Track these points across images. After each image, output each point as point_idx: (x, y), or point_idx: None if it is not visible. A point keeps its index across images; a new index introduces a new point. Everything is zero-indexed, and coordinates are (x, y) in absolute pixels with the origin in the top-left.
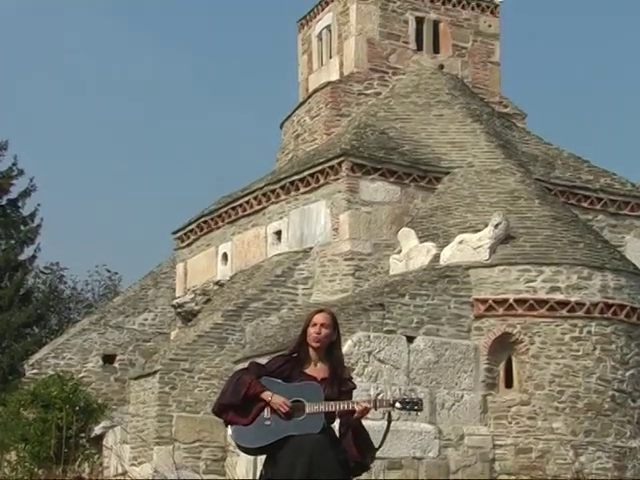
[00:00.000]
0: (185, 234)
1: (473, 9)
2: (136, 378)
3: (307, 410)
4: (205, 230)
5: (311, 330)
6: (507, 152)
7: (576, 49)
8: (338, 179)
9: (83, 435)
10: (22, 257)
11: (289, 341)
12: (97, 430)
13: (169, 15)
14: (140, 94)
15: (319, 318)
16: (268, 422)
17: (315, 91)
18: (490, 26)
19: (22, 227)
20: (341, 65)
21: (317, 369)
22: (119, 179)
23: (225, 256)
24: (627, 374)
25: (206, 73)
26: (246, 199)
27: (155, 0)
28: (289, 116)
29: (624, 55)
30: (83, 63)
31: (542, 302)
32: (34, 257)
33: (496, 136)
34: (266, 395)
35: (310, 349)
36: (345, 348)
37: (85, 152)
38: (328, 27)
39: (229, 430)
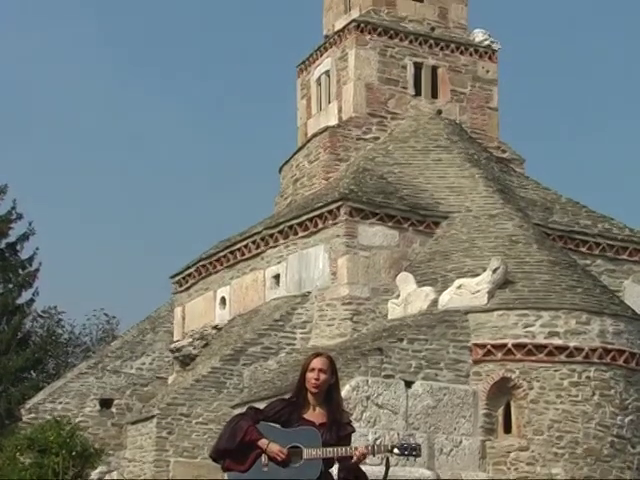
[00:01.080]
0: (183, 278)
1: (471, 55)
2: (133, 423)
3: (305, 456)
4: (203, 274)
5: (310, 375)
6: (505, 197)
7: (574, 95)
8: (337, 223)
9: None
10: (20, 301)
11: (287, 385)
12: (94, 475)
13: (166, 63)
14: (139, 142)
15: (317, 363)
16: (265, 469)
17: (314, 136)
18: (488, 72)
19: (20, 271)
20: (340, 110)
21: (315, 414)
22: (117, 223)
23: (223, 300)
24: (626, 420)
25: (205, 118)
26: (244, 243)
27: (152, 47)
28: (288, 160)
29: (623, 101)
30: (83, 113)
31: (541, 347)
32: (32, 301)
33: (494, 181)
34: (262, 443)
35: (309, 394)
36: (343, 393)
37: (84, 196)
38: (327, 72)
39: (226, 476)
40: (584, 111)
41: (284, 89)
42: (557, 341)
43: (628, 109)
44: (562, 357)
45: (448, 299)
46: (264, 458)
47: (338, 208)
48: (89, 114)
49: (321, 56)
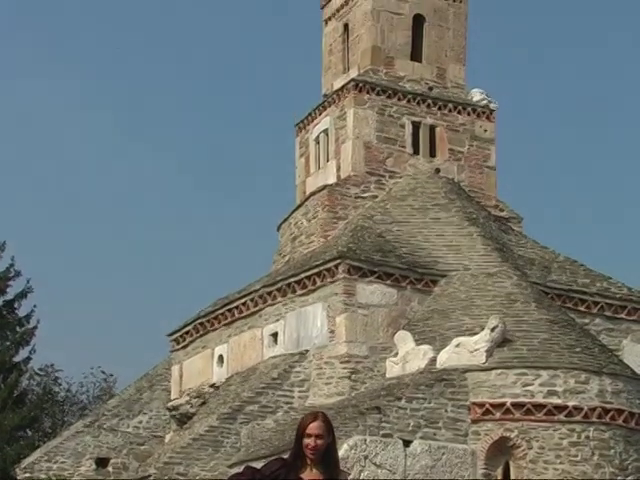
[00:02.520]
0: (181, 336)
1: (469, 114)
2: None
3: None
4: (201, 332)
5: (307, 441)
6: (503, 255)
7: (572, 154)
8: (335, 281)
9: None
10: (17, 358)
11: (285, 445)
12: None
13: (165, 118)
14: (138, 199)
15: (314, 429)
16: None
17: (312, 194)
18: (486, 131)
19: (18, 328)
20: (338, 168)
21: (313, 473)
22: (115, 281)
23: (221, 358)
24: None
25: (204, 174)
26: (242, 301)
27: (151, 104)
28: (286, 218)
29: (622, 160)
30: (81, 170)
31: (539, 406)
32: (29, 358)
33: (492, 239)
34: None
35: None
36: (341, 452)
37: (82, 254)
38: (325, 131)
39: None
40: (582, 170)
41: (283, 147)
42: (556, 400)
43: (626, 168)
44: (561, 417)
45: (446, 358)
46: None
47: (336, 266)
48: (87, 171)
49: (320, 115)
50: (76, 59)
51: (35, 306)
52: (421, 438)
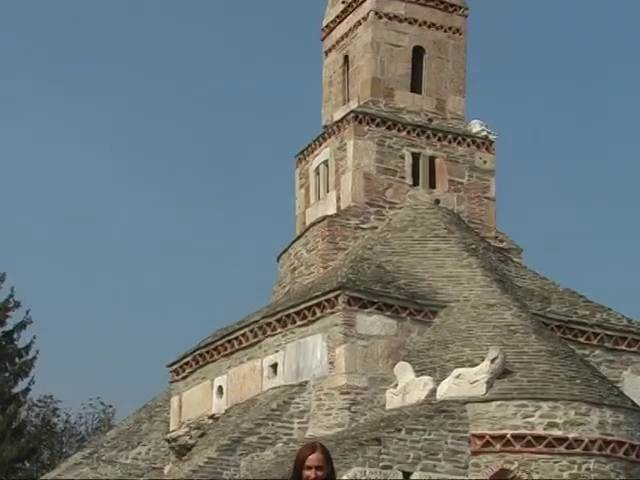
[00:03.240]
0: (180, 367)
1: (469, 145)
2: None
3: None
4: (201, 363)
5: (307, 473)
6: (503, 286)
7: (571, 187)
8: (334, 312)
9: None
10: (16, 390)
11: (284, 476)
12: None
13: (164, 153)
14: (137, 232)
15: (313, 461)
16: None
17: (312, 225)
18: (485, 162)
19: (17, 359)
20: (338, 199)
21: None
22: (114, 311)
23: (220, 389)
24: None
25: (202, 207)
26: (242, 332)
27: (150, 138)
28: (286, 249)
29: (620, 188)
30: (82, 203)
31: (540, 438)
32: (28, 390)
33: (492, 270)
34: None
35: None
36: None
37: (81, 285)
38: (325, 162)
39: None
40: (582, 201)
41: (283, 178)
42: (556, 432)
43: (625, 199)
44: (562, 448)
45: (446, 389)
46: None
47: (336, 297)
48: (87, 203)
49: (320, 146)
50: (76, 92)
51: (34, 337)
52: (421, 470)
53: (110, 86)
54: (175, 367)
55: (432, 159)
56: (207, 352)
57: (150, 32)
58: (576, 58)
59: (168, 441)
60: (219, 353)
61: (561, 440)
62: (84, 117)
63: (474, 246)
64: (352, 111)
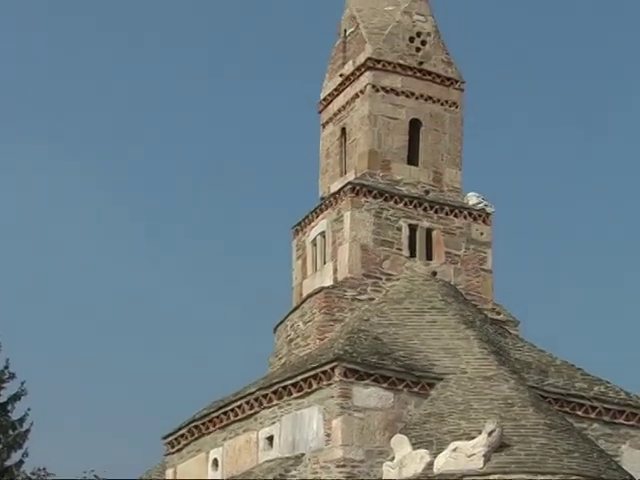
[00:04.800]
0: (175, 439)
1: (465, 218)
2: None
3: None
4: (196, 435)
5: None
6: (500, 359)
7: (570, 256)
8: (331, 384)
9: None
10: (9, 462)
11: None
12: None
13: (163, 221)
14: (131, 298)
15: None
16: None
17: (309, 296)
18: (482, 234)
19: (11, 431)
20: (335, 271)
21: None
22: (109, 383)
23: (216, 462)
24: None
25: (200, 278)
26: (238, 403)
27: (150, 208)
28: (282, 320)
29: (617, 262)
30: (78, 271)
31: None
32: (21, 462)
33: (489, 343)
34: None
35: None
36: None
37: (78, 355)
38: (322, 233)
39: None
40: (579, 277)
41: (279, 250)
42: None
43: (625, 271)
44: None
45: (443, 462)
46: None
47: (332, 369)
48: (84, 271)
49: (317, 217)
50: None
51: (29, 409)
52: None
53: (113, 158)
54: (170, 439)
55: (429, 231)
56: (203, 424)
57: (148, 99)
58: (569, 131)
59: None
60: (215, 425)
61: None
62: (115, 210)
63: (471, 318)
64: (349, 183)
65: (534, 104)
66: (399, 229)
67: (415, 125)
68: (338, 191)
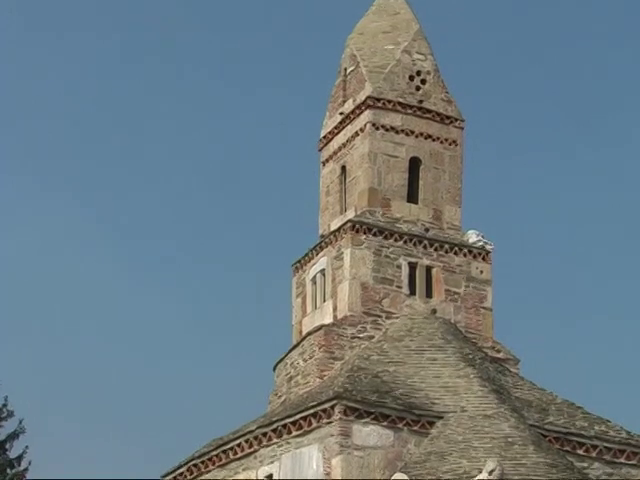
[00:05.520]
0: (174, 478)
1: (465, 255)
2: None
3: None
4: (195, 473)
5: None
6: (501, 397)
7: (570, 296)
8: (331, 422)
9: None
10: None
11: None
12: None
13: (161, 254)
14: (129, 335)
15: None
16: None
17: (309, 334)
18: (482, 272)
19: (8, 470)
20: (335, 308)
21: None
22: (108, 422)
23: None
24: None
25: (199, 317)
26: (237, 442)
27: (150, 250)
28: (282, 358)
29: (619, 299)
30: (76, 311)
31: None
32: None
33: (489, 381)
34: None
35: None
36: None
37: (75, 394)
38: (322, 271)
39: None
40: (579, 315)
41: (280, 287)
42: None
43: (625, 311)
44: None
45: None
46: None
47: (332, 407)
48: (82, 311)
49: (317, 255)
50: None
51: (27, 447)
52: None
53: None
54: (169, 478)
55: (429, 269)
56: (202, 462)
57: (147, 147)
58: (570, 169)
59: None
60: (214, 464)
61: None
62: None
63: (471, 356)
64: (349, 220)
65: (534, 142)
66: (399, 267)
67: (415, 163)
68: (338, 229)
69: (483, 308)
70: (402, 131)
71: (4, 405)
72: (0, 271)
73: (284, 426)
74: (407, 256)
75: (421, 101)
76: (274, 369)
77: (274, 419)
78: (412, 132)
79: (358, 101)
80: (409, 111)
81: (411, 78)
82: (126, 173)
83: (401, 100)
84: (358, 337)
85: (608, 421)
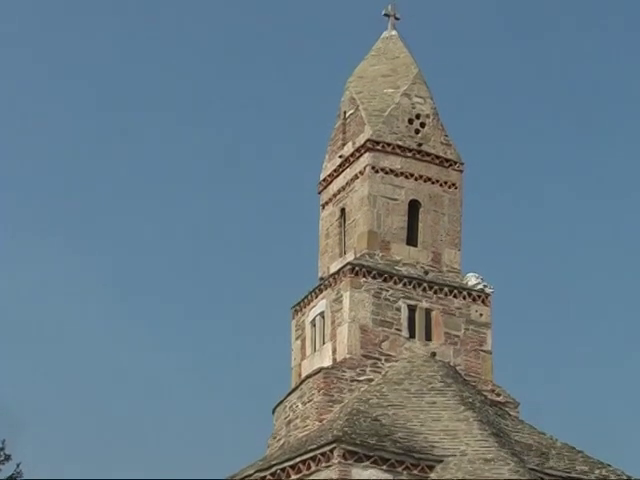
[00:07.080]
0: None
1: (464, 298)
2: None
3: None
4: None
5: None
6: (501, 441)
7: (569, 339)
8: (330, 466)
9: None
10: None
11: None
12: None
13: (162, 299)
14: (127, 374)
15: None
16: None
17: (308, 377)
18: (481, 315)
19: None
20: (334, 351)
21: None
22: (106, 468)
23: None
24: None
25: (196, 357)
26: None
27: (149, 290)
28: (281, 401)
29: (618, 340)
30: (73, 346)
31: None
32: None
33: (489, 424)
34: None
35: None
36: None
37: (74, 439)
38: (322, 314)
39: None
40: (580, 357)
41: (278, 330)
42: None
43: (622, 354)
44: None
45: None
46: None
47: (331, 450)
48: (83, 356)
49: (316, 298)
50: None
51: None
52: None
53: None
54: None
55: (428, 312)
56: None
57: (146, 163)
58: (568, 212)
59: None
60: None
61: None
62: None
63: (471, 399)
64: (349, 263)
65: (534, 184)
66: (398, 309)
67: (414, 206)
68: (337, 271)
69: (482, 351)
70: (401, 174)
71: (1, 449)
72: None
73: (283, 470)
74: (406, 299)
75: (420, 144)
76: (273, 412)
77: (273, 463)
78: (411, 175)
79: (357, 144)
80: (408, 154)
81: (410, 121)
82: (121, 221)
83: (400, 143)
84: (357, 380)
85: (609, 465)
